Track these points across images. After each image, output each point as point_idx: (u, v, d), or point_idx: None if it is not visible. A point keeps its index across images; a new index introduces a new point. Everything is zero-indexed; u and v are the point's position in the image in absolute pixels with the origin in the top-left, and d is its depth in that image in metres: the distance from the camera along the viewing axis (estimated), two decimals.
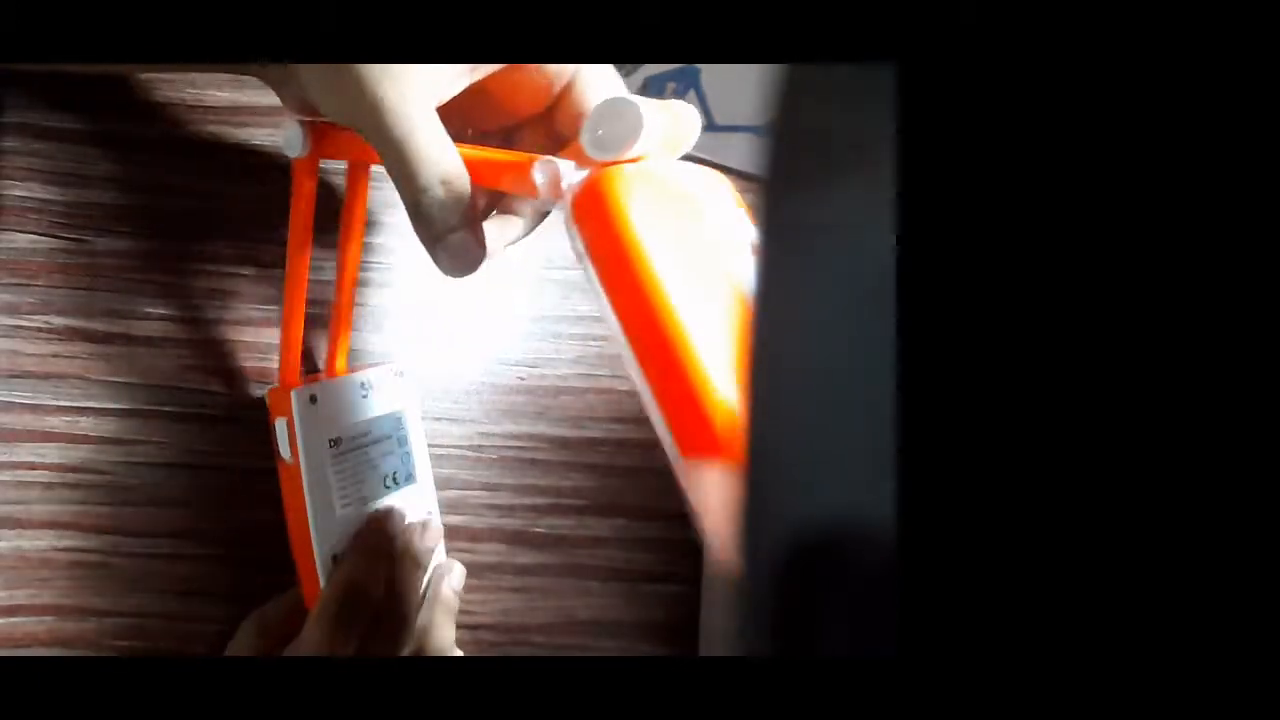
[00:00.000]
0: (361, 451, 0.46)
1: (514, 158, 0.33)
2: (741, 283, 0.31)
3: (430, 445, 0.51)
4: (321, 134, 0.42)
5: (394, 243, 0.51)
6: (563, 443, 0.52)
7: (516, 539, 0.52)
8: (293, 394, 0.44)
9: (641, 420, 0.53)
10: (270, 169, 0.49)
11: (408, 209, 0.33)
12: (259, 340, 0.49)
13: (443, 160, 0.32)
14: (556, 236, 0.52)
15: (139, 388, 0.47)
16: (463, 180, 0.32)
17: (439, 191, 0.32)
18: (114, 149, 0.48)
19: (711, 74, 0.50)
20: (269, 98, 0.49)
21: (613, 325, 0.29)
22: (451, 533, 0.51)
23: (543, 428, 0.52)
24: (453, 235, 0.33)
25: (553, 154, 0.33)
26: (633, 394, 0.53)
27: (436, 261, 0.34)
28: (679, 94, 0.51)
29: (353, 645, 0.41)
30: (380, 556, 0.44)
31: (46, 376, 0.47)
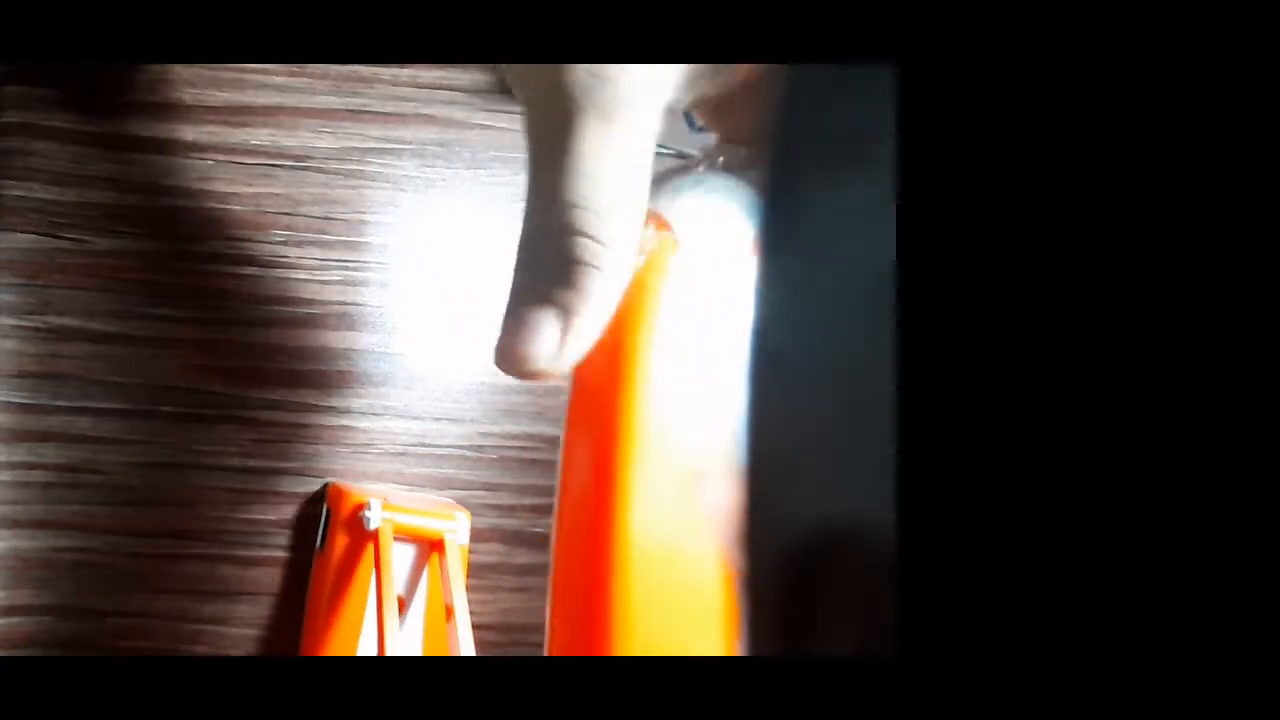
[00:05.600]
0: None
1: None
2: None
3: (430, 445, 0.51)
4: None
5: (393, 242, 0.51)
6: None
7: (516, 539, 0.52)
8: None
9: None
10: (270, 169, 0.49)
11: None
12: (259, 340, 0.49)
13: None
14: None
15: (139, 388, 0.47)
16: None
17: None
18: (114, 149, 0.48)
19: None
20: (269, 97, 0.49)
21: None
22: None
23: (543, 428, 0.52)
24: None
25: None
26: None
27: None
28: None
29: None
30: None
31: (46, 376, 0.46)
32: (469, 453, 0.51)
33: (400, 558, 0.45)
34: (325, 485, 0.49)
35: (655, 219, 0.29)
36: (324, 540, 0.47)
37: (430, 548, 0.46)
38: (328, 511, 0.48)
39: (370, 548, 0.44)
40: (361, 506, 0.44)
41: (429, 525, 0.45)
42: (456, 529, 0.45)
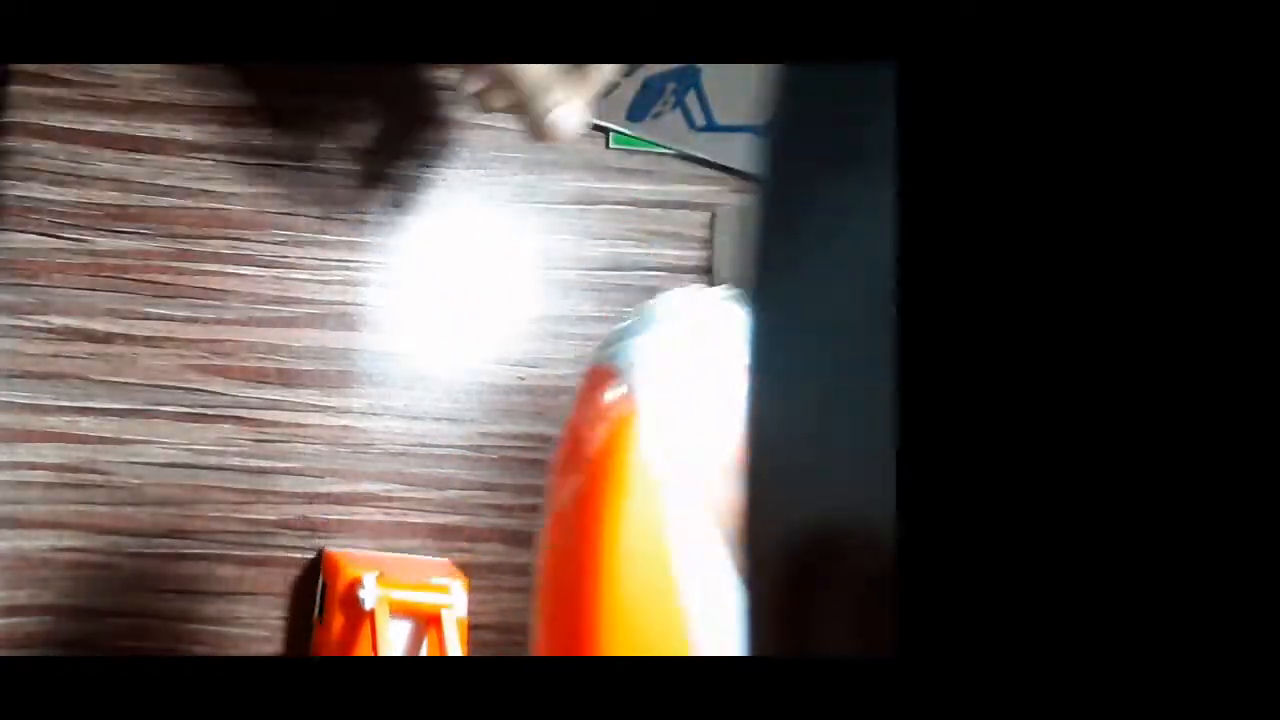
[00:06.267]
0: None
1: None
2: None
3: (430, 445, 0.51)
4: None
5: (393, 242, 0.51)
6: None
7: (516, 539, 0.52)
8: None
9: None
10: (270, 169, 0.49)
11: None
12: (259, 340, 0.49)
13: None
14: (556, 235, 0.52)
15: (139, 388, 0.47)
16: None
17: None
18: (114, 149, 0.48)
19: (711, 74, 0.50)
20: (270, 98, 0.49)
21: None
22: (451, 532, 0.51)
23: (543, 428, 0.52)
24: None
25: None
26: None
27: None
28: (679, 94, 0.51)
29: None
30: None
31: (46, 376, 0.46)
32: (469, 453, 0.51)
33: (397, 632, 0.45)
34: (320, 554, 0.48)
35: (613, 377, 0.29)
36: (322, 613, 0.47)
37: (428, 621, 0.45)
38: (324, 584, 0.47)
39: (368, 623, 0.44)
40: (356, 583, 0.43)
41: (425, 600, 0.44)
42: (453, 602, 0.44)
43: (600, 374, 0.30)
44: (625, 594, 0.27)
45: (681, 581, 0.27)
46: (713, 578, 0.26)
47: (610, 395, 0.29)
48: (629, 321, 0.31)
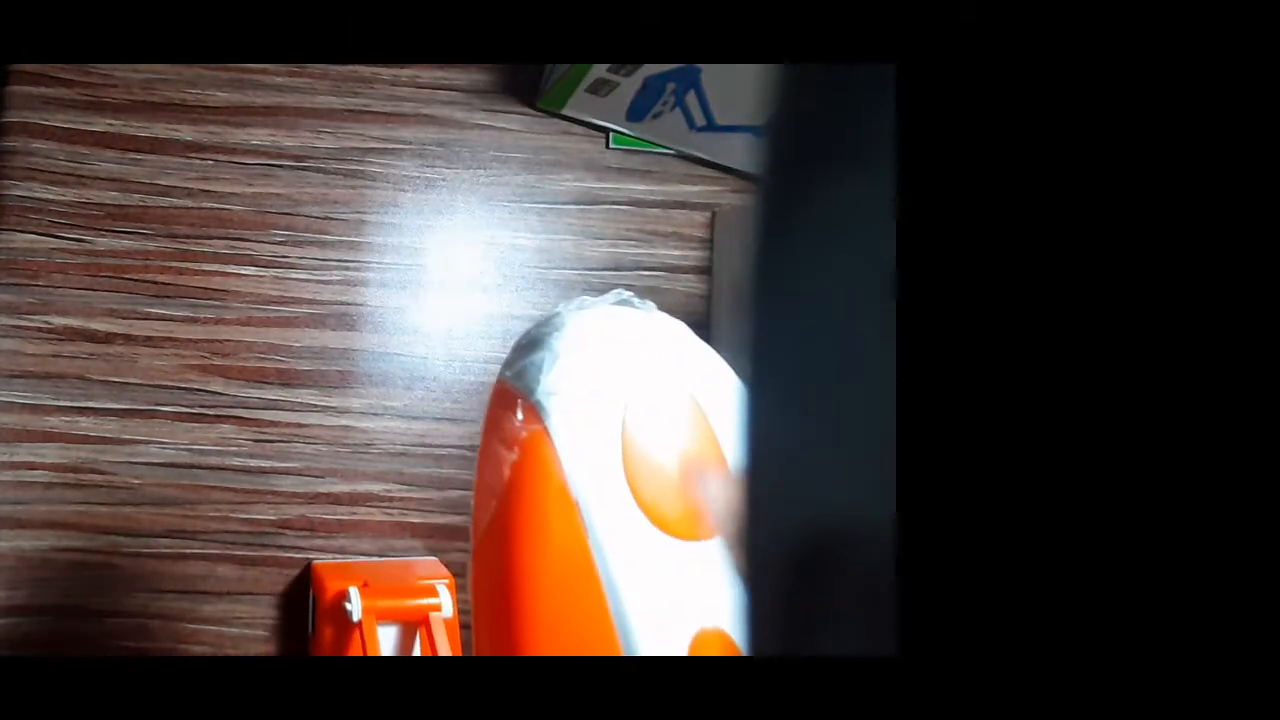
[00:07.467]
0: None
1: None
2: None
3: (430, 445, 0.51)
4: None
5: (393, 242, 0.50)
6: None
7: None
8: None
9: None
10: (270, 169, 0.49)
11: None
12: (259, 340, 0.49)
13: None
14: (556, 235, 0.52)
15: (139, 388, 0.47)
16: None
17: None
18: (114, 149, 0.48)
19: (711, 74, 0.50)
20: (269, 98, 0.49)
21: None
22: (452, 533, 0.51)
23: None
24: None
25: None
26: None
27: None
28: (679, 94, 0.51)
29: None
30: None
31: (46, 376, 0.46)
32: (469, 453, 0.51)
33: (387, 638, 0.45)
34: (308, 567, 0.49)
35: (519, 398, 0.29)
36: (314, 626, 0.47)
37: (416, 624, 0.46)
38: (313, 598, 0.48)
39: (357, 634, 0.44)
40: (342, 596, 0.44)
41: (411, 604, 0.45)
42: (439, 604, 0.45)
43: (507, 395, 0.30)
44: (553, 616, 0.27)
45: (610, 596, 0.27)
46: (647, 591, 0.27)
47: (519, 417, 0.29)
48: (529, 336, 0.31)
